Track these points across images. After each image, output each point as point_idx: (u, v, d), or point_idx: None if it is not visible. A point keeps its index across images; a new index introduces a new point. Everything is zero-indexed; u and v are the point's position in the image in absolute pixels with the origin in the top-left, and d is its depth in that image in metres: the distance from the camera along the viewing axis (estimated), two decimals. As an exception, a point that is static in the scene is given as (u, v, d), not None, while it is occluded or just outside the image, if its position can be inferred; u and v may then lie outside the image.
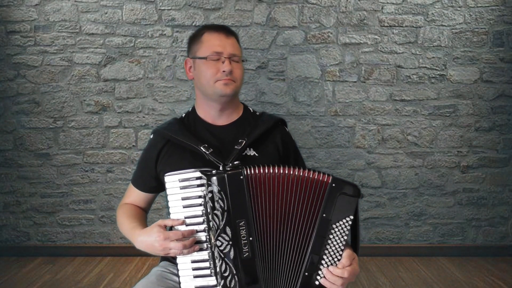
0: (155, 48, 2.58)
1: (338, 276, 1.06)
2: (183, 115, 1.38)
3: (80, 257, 2.69)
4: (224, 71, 1.24)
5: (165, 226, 1.12)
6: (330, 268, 1.08)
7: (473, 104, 2.65)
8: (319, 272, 1.08)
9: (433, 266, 2.59)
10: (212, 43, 1.27)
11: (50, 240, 2.73)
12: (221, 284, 1.07)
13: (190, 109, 1.39)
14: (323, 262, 1.08)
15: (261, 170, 1.09)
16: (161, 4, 2.55)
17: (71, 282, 2.36)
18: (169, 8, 2.56)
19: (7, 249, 2.71)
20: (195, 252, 1.11)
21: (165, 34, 2.57)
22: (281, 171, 1.09)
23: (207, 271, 1.11)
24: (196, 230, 1.11)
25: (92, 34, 2.57)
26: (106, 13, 2.56)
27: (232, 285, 1.07)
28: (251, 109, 1.41)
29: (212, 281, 1.10)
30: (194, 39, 1.32)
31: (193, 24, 2.56)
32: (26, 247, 2.72)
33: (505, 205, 2.73)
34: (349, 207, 1.08)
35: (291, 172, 1.09)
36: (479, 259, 2.69)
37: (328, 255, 1.08)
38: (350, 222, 1.08)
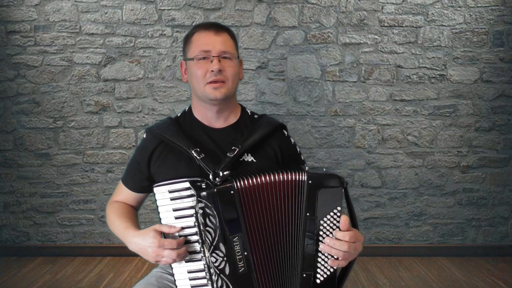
0: (155, 48, 2.58)
1: (340, 240, 1.04)
2: (179, 114, 1.34)
3: (80, 257, 2.69)
4: (212, 71, 1.18)
5: (161, 233, 1.10)
6: (333, 233, 1.05)
7: (473, 104, 2.65)
8: (318, 270, 1.07)
9: (433, 266, 2.59)
10: (200, 41, 1.21)
11: (50, 240, 2.73)
12: None
13: (186, 109, 1.34)
14: (319, 259, 1.07)
15: (251, 181, 1.06)
16: (161, 4, 2.55)
17: (71, 282, 2.36)
18: (169, 8, 2.56)
19: (7, 249, 2.71)
20: (191, 262, 1.10)
21: (165, 34, 2.57)
22: (268, 179, 1.06)
23: (204, 281, 1.10)
24: (190, 240, 1.10)
25: (92, 34, 2.57)
26: (106, 13, 2.56)
27: None
28: (249, 111, 1.35)
29: None
30: (186, 40, 1.27)
31: (193, 24, 2.56)
32: (26, 247, 2.72)
33: (505, 205, 2.73)
34: (334, 199, 1.05)
35: (276, 178, 1.06)
36: (479, 259, 2.68)
37: (322, 251, 1.07)
38: (338, 214, 1.06)
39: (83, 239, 2.73)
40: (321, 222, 1.06)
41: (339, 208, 1.06)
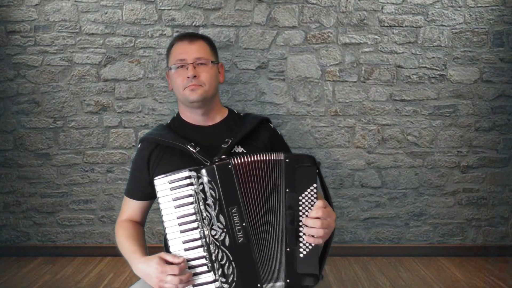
0: (155, 48, 2.58)
1: (314, 218, 1.12)
2: (169, 121, 1.43)
3: (80, 257, 2.69)
4: (188, 77, 1.28)
5: (165, 260, 1.14)
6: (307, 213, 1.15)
7: (473, 104, 2.65)
8: (300, 244, 1.13)
9: (433, 266, 2.59)
10: (176, 51, 1.34)
11: (50, 240, 2.73)
12: (219, 272, 1.10)
13: (175, 115, 1.44)
14: (300, 234, 1.14)
15: (246, 159, 1.15)
16: (161, 4, 2.55)
17: (71, 282, 2.36)
18: (169, 8, 2.56)
19: (7, 249, 2.71)
20: (191, 250, 1.14)
21: (165, 34, 2.57)
22: (256, 158, 1.16)
23: (204, 268, 1.13)
24: (189, 228, 1.14)
25: (92, 34, 2.57)
26: (106, 13, 2.56)
27: (229, 272, 1.10)
28: (235, 111, 1.46)
29: (209, 277, 1.13)
30: (167, 52, 1.41)
31: (193, 24, 2.56)
32: (26, 247, 2.72)
33: (505, 205, 2.73)
34: (309, 176, 1.15)
35: (261, 158, 1.17)
36: (479, 259, 2.68)
37: (303, 226, 1.14)
38: (315, 190, 1.15)
39: (83, 239, 2.73)
40: (300, 198, 1.14)
41: (315, 185, 1.15)
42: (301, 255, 1.12)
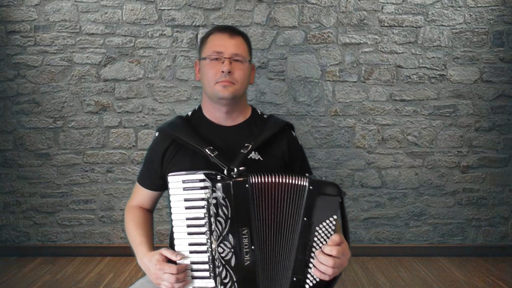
0: (155, 48, 2.58)
1: (327, 255, 1.06)
2: (189, 113, 1.37)
3: (80, 257, 2.69)
4: (223, 72, 1.22)
5: (166, 257, 1.13)
6: (321, 247, 1.08)
7: (473, 104, 2.65)
8: (308, 276, 1.08)
9: (433, 266, 2.59)
10: (214, 43, 1.27)
11: (50, 240, 2.73)
12: None
13: (196, 108, 1.38)
14: (310, 265, 1.08)
15: (265, 179, 1.09)
16: (161, 4, 2.55)
17: (71, 282, 2.36)
18: (169, 8, 2.56)
19: (7, 249, 2.71)
20: (195, 254, 1.12)
21: (165, 34, 2.57)
22: (276, 180, 1.09)
23: (206, 273, 1.11)
24: (197, 232, 1.12)
25: (92, 34, 2.57)
26: (106, 13, 2.56)
27: None
28: (259, 111, 1.40)
29: (210, 283, 1.11)
30: (202, 40, 1.33)
31: (193, 24, 2.56)
32: (26, 247, 2.72)
33: (505, 205, 2.73)
34: (331, 207, 1.08)
35: (282, 180, 1.09)
36: (479, 259, 2.69)
37: (314, 257, 1.08)
38: (334, 222, 1.08)
39: (83, 239, 2.73)
40: (317, 228, 1.07)
41: (335, 217, 1.08)
42: (307, 286, 1.08)
